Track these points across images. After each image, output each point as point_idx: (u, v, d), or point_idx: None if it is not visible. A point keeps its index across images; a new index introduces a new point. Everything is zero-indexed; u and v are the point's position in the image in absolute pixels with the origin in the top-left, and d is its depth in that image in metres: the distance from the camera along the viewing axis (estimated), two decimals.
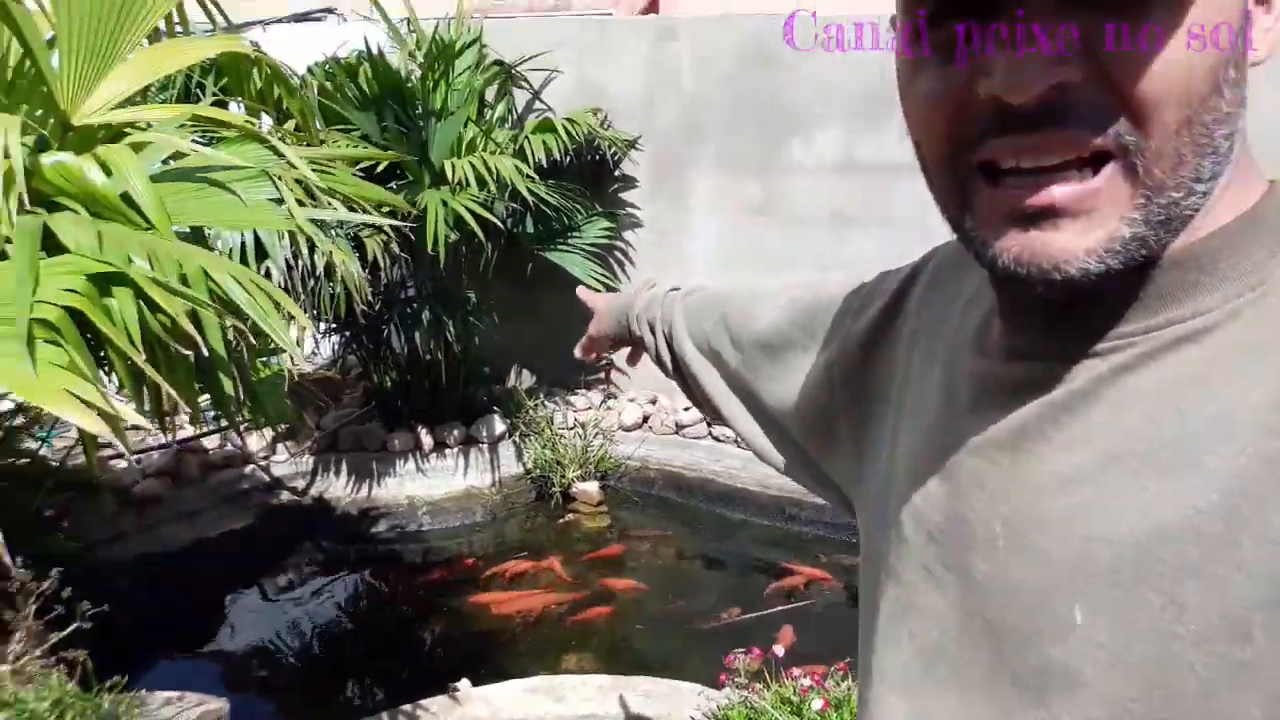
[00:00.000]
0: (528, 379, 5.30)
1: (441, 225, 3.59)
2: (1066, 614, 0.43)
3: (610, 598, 3.75)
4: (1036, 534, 0.45)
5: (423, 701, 2.66)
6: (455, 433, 4.58)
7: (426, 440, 4.51)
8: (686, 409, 4.89)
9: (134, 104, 1.89)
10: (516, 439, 4.67)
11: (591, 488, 4.62)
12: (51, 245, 1.53)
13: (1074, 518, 0.44)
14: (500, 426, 4.68)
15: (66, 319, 1.41)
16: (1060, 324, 0.47)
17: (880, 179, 4.39)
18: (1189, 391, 0.42)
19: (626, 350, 1.13)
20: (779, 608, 3.66)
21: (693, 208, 4.88)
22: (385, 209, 2.38)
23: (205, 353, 1.45)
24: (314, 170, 1.80)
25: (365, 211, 1.92)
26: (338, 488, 4.41)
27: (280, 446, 4.41)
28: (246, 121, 1.77)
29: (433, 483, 4.47)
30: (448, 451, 4.54)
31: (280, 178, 1.74)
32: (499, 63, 4.58)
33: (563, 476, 4.56)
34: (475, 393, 4.88)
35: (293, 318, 1.66)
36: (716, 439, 4.76)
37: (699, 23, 4.69)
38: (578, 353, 1.16)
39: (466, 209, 3.69)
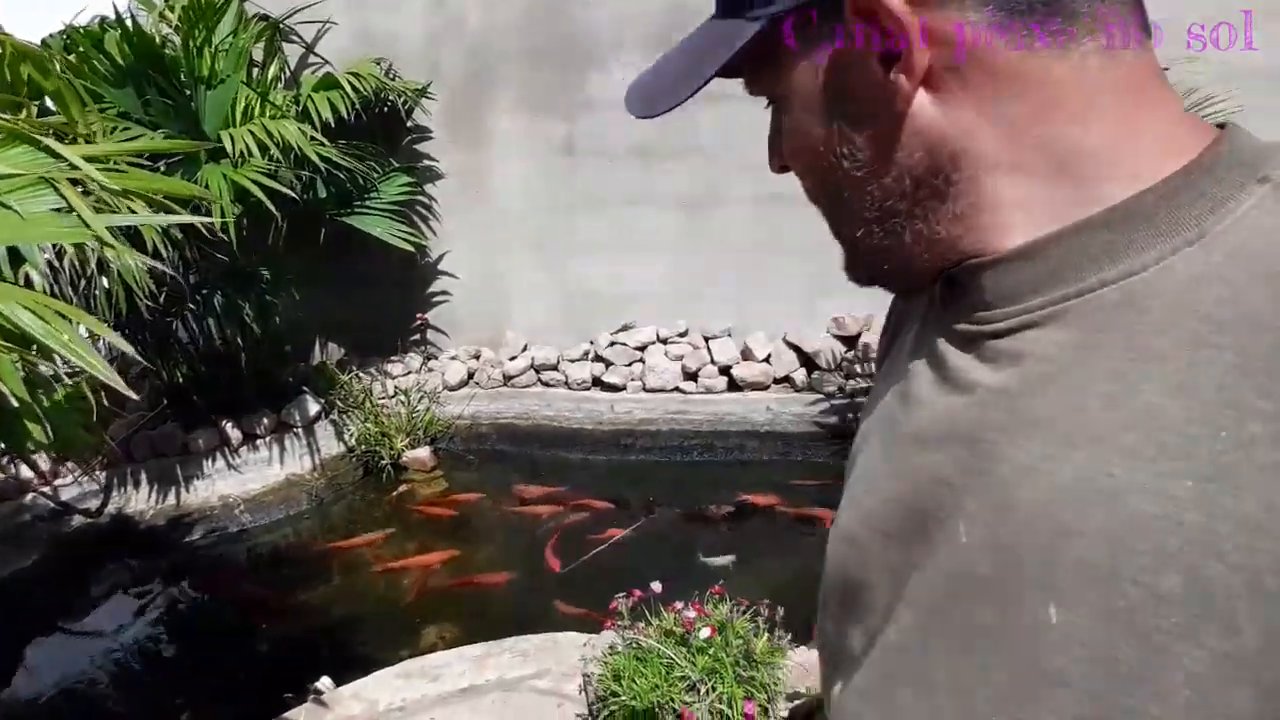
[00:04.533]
0: (335, 352, 5.03)
1: (227, 202, 3.27)
2: (1041, 611, 0.41)
3: (461, 563, 3.70)
4: (1003, 529, 0.43)
5: (287, 714, 2.52)
6: (265, 421, 4.28)
7: (233, 434, 4.20)
8: (513, 359, 4.83)
9: None
10: (335, 417, 4.44)
11: (423, 454, 4.50)
12: None
13: (1041, 510, 0.42)
14: (314, 407, 4.43)
15: None
16: (983, 296, 0.48)
17: (681, 110, 4.43)
18: (1144, 367, 0.41)
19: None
20: (619, 534, 3.76)
21: (495, 152, 4.75)
22: (173, 198, 2.13)
23: (13, 402, 1.26)
24: (101, 169, 1.57)
25: (164, 209, 1.72)
26: (139, 500, 4.03)
27: (63, 468, 3.95)
28: (21, 122, 1.51)
29: (247, 478, 4.18)
30: (259, 442, 4.25)
31: (58, 182, 1.51)
32: (265, 17, 4.18)
33: (390, 447, 4.41)
34: (279, 375, 4.57)
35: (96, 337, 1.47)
36: (546, 384, 4.76)
37: None
38: None
39: (253, 182, 3.37)
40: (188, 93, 3.59)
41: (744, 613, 2.34)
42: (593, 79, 4.53)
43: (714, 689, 2.17)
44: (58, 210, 1.53)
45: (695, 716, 2.11)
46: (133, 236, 3.03)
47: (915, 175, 0.47)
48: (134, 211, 1.61)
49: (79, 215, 1.49)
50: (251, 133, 3.53)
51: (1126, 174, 0.43)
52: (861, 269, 0.55)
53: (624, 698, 2.20)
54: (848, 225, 0.52)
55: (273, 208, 3.44)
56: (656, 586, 2.42)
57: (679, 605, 2.31)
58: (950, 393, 0.49)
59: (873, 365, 4.55)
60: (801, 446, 4.49)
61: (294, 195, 3.67)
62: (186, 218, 1.79)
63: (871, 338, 4.56)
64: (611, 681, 2.25)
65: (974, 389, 0.47)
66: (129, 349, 1.58)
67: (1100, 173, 0.44)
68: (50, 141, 1.58)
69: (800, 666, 2.33)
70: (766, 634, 2.27)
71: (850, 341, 4.63)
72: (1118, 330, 0.42)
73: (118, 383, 1.35)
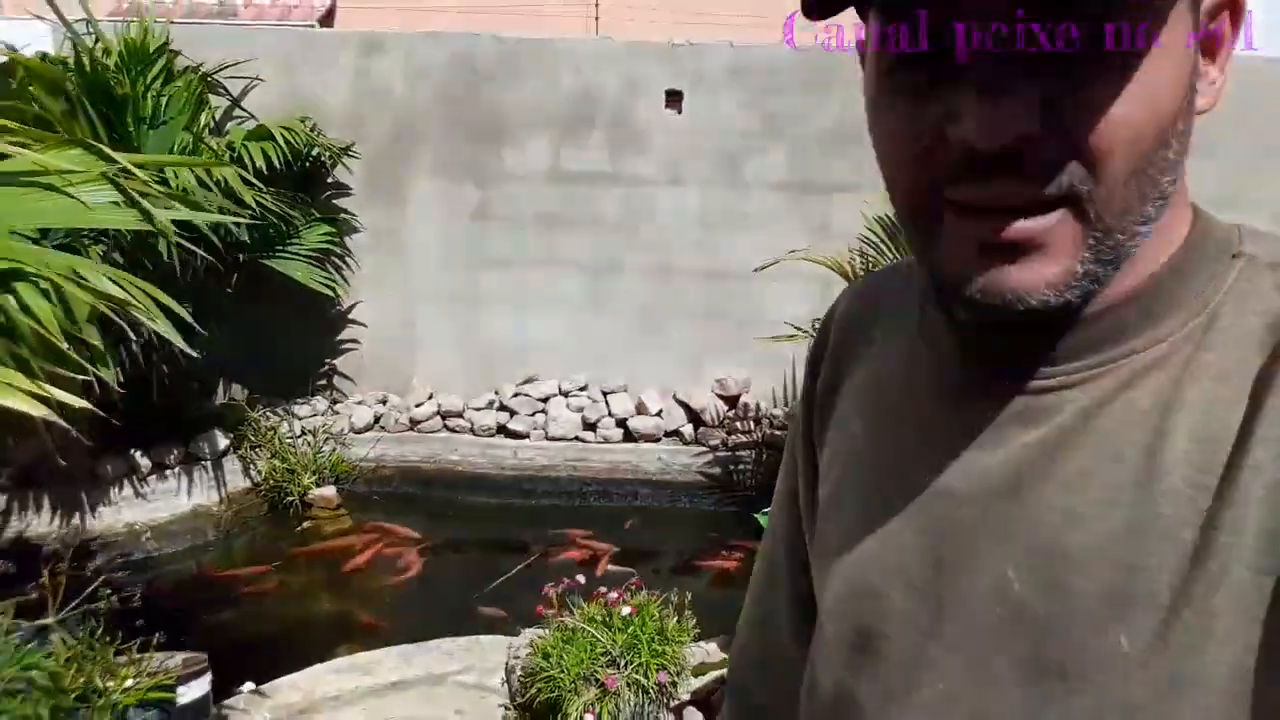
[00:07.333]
0: (240, 391, 5.13)
1: (172, 235, 3.46)
2: (1111, 643, 0.44)
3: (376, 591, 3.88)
4: (1060, 570, 0.46)
5: (227, 702, 2.66)
6: (175, 452, 4.36)
7: (143, 463, 4.25)
8: (419, 405, 5.08)
9: None
10: (244, 453, 4.55)
11: (329, 492, 4.65)
12: None
13: (1101, 549, 0.45)
14: (223, 442, 4.53)
15: None
16: (1026, 358, 0.49)
17: (589, 184, 4.95)
18: (1174, 418, 0.45)
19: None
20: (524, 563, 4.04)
21: (411, 212, 5.08)
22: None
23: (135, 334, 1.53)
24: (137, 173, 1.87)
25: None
26: (41, 525, 4.02)
27: None
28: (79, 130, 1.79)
29: (155, 506, 4.23)
30: (168, 472, 4.31)
31: (120, 180, 1.80)
32: (195, 69, 4.43)
33: (298, 485, 4.54)
34: (189, 409, 4.65)
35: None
36: (452, 430, 5.01)
37: (409, 38, 4.91)
38: None
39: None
40: (131, 129, 3.80)
41: (657, 599, 2.70)
42: (507, 154, 4.99)
43: (631, 662, 2.50)
44: (114, 203, 1.81)
45: (616, 683, 2.43)
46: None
47: (1178, 172, 0.46)
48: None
49: (138, 207, 1.77)
50: (193, 172, 3.75)
51: (1166, 234, 0.48)
52: (1092, 277, 0.45)
53: (551, 671, 2.49)
54: (1131, 214, 0.44)
55: (218, 243, 3.67)
56: (581, 579, 2.74)
57: (603, 590, 2.65)
58: (985, 448, 0.50)
59: (750, 423, 5.10)
60: (688, 495, 4.92)
61: (233, 234, 3.89)
62: (217, 217, 2.07)
63: (750, 399, 5.08)
64: (540, 659, 2.55)
65: (1010, 443, 0.49)
66: (186, 316, 1.84)
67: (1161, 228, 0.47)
68: (104, 148, 1.86)
69: (702, 650, 2.69)
70: (676, 616, 2.63)
71: (731, 401, 5.13)
72: (1144, 388, 0.47)
73: (183, 346, 1.63)
